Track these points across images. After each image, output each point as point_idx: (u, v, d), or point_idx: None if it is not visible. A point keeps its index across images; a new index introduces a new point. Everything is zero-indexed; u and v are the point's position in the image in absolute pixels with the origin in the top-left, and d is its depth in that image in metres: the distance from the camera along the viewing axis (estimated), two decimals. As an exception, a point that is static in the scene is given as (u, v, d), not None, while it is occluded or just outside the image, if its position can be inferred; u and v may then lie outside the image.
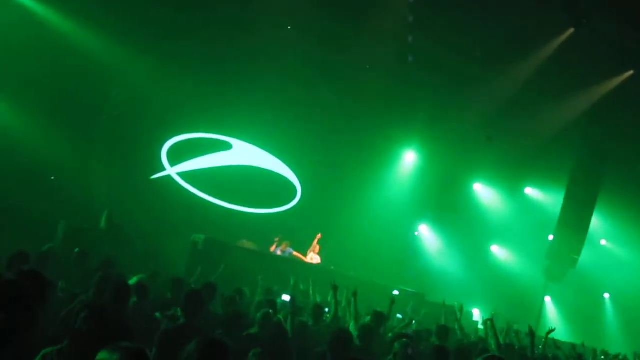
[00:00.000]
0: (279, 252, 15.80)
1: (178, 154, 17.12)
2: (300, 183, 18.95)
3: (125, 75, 15.10)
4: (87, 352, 3.03)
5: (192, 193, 17.15)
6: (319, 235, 16.33)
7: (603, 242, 21.12)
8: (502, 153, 18.45)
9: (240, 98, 16.44)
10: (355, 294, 7.95)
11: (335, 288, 8.12)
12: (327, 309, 8.60)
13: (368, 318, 8.10)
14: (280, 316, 6.92)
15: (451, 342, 7.90)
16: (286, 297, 8.54)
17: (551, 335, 9.40)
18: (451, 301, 12.95)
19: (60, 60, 13.71)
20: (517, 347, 8.78)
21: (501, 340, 8.83)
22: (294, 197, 18.81)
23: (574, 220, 17.48)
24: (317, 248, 16.18)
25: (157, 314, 6.37)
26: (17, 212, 11.60)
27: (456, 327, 9.63)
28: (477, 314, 17.40)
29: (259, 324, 6.36)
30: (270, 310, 6.67)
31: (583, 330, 17.94)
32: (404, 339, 6.27)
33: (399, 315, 10.85)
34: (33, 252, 7.53)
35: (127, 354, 2.57)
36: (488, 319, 8.99)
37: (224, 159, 17.81)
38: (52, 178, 14.16)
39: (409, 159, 20.33)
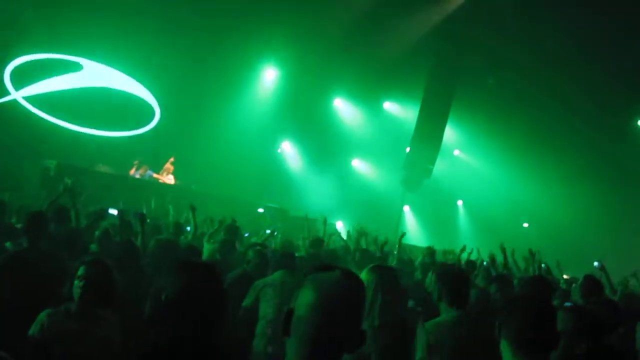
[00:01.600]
0: (137, 176, 15.43)
1: (23, 77, 15.96)
2: (159, 103, 18.31)
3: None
4: None
5: (40, 117, 16.12)
6: (171, 159, 16.06)
7: (456, 152, 22.23)
8: (360, 68, 18.66)
9: (89, 13, 15.42)
10: (193, 208, 8.01)
11: (193, 208, 8.10)
12: (188, 228, 8.55)
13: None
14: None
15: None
16: (113, 211, 8.35)
17: (409, 242, 9.87)
18: (315, 215, 13.30)
19: None
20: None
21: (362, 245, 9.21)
22: (152, 118, 18.19)
23: (429, 132, 18.17)
24: (171, 168, 15.95)
25: (7, 244, 6.04)
26: None
27: (324, 238, 9.87)
28: (340, 226, 17.94)
29: (98, 241, 6.28)
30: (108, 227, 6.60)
31: (440, 235, 18.99)
32: (258, 247, 6.45)
33: (267, 230, 10.98)
34: None
35: None
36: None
37: (75, 81, 16.80)
38: None
39: (269, 76, 20.12)
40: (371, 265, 4.28)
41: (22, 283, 4.47)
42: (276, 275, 5.64)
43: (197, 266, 2.62)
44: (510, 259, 8.29)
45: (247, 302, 5.49)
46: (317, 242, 8.57)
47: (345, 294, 1.73)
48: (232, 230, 7.88)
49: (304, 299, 1.73)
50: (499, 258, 8.14)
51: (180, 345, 2.37)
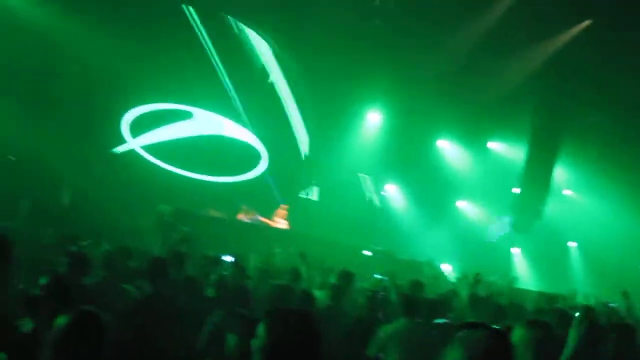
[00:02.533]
0: (246, 220, 15.79)
1: (138, 126, 16.86)
2: (266, 148, 18.80)
3: (78, 48, 14.75)
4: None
5: (155, 165, 16.92)
6: (282, 207, 16.32)
7: (567, 191, 21.42)
8: (463, 109, 18.50)
9: (201, 65, 16.21)
10: (302, 256, 8.10)
11: (303, 256, 8.24)
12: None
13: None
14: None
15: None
16: (227, 258, 8.54)
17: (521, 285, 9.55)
18: (421, 258, 13.14)
19: (8, 33, 13.34)
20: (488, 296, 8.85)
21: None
22: (258, 163, 18.67)
23: (538, 171, 17.69)
24: (284, 213, 16.18)
25: (127, 286, 6.33)
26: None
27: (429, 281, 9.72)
28: (447, 270, 17.61)
29: (215, 287, 6.42)
30: (225, 273, 6.72)
31: (551, 279, 18.28)
32: (369, 292, 6.38)
33: (377, 276, 10.92)
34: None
35: (79, 314, 2.54)
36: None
37: (186, 129, 17.57)
38: (11, 158, 13.87)
39: (373, 119, 20.30)
40: (526, 320, 4.08)
41: (144, 326, 4.66)
42: (398, 323, 5.51)
43: (289, 315, 2.64)
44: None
45: (371, 352, 5.40)
46: (417, 286, 8.36)
47: (494, 354, 1.70)
48: (345, 276, 7.84)
49: (454, 357, 1.71)
50: (620, 304, 7.71)
51: None
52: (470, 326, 1.78)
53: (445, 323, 5.79)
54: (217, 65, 17.30)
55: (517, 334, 3.67)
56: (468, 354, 1.69)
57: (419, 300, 5.90)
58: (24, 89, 13.87)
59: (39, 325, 3.27)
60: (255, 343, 2.50)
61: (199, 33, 16.89)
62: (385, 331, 5.42)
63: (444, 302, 7.27)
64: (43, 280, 3.46)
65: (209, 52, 17.07)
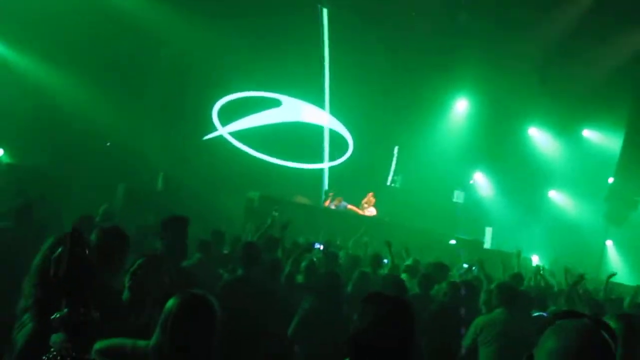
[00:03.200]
0: (332, 207, 15.86)
1: (228, 114, 17.24)
2: (352, 137, 18.86)
3: (174, 35, 15.18)
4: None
5: (244, 152, 17.27)
6: (370, 194, 16.29)
7: (665, 182, 20.47)
8: (556, 96, 17.97)
9: (289, 53, 16.37)
10: (389, 244, 8.06)
11: (389, 244, 8.23)
12: (385, 260, 8.64)
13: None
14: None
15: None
16: (319, 246, 8.61)
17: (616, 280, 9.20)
18: (509, 248, 12.86)
19: (106, 23, 13.86)
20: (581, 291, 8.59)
21: (564, 286, 8.76)
22: (346, 150, 18.75)
23: (635, 161, 16.95)
24: (372, 201, 16.14)
25: (220, 270, 6.51)
26: (75, 179, 11.83)
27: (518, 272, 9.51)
28: (536, 261, 17.19)
29: (304, 273, 6.48)
30: (315, 259, 6.79)
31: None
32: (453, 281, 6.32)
33: (464, 265, 10.81)
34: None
35: (191, 297, 2.62)
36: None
37: (274, 116, 17.84)
38: (107, 144, 14.43)
39: (461, 107, 20.01)
40: (620, 313, 3.93)
41: (238, 308, 4.78)
42: (496, 314, 5.43)
43: (386, 300, 2.65)
44: None
45: (467, 342, 5.37)
46: (517, 278, 8.22)
47: (595, 344, 1.64)
48: (439, 267, 7.80)
49: (548, 346, 1.67)
50: None
51: None
52: (567, 315, 1.73)
53: (543, 316, 5.68)
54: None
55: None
56: (563, 343, 1.64)
57: (518, 292, 5.79)
58: (122, 78, 14.36)
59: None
60: (352, 327, 2.54)
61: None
62: (482, 320, 5.36)
63: (540, 296, 7.10)
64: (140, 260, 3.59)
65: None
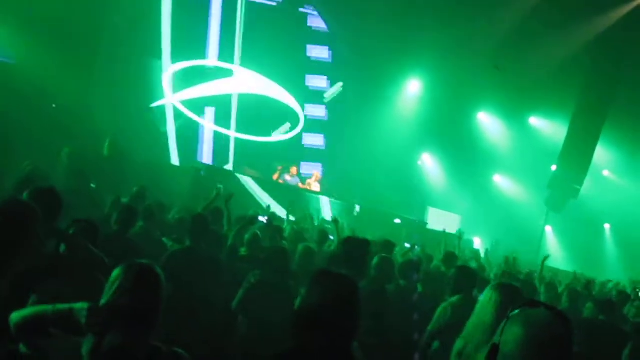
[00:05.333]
0: (288, 178, 15.86)
1: (179, 81, 16.95)
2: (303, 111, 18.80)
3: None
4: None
5: (192, 120, 17.02)
6: (317, 173, 16.32)
7: (605, 172, 21.09)
8: (507, 82, 18.20)
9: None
10: (336, 221, 8.10)
11: (336, 222, 8.24)
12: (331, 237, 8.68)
13: None
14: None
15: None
16: (262, 219, 8.58)
17: (551, 264, 9.46)
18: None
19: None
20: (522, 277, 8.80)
21: (502, 268, 8.98)
22: (297, 125, 18.68)
23: (578, 150, 17.40)
24: (318, 176, 16.21)
25: (164, 239, 6.44)
26: (19, 140, 11.46)
27: (457, 253, 9.69)
28: (477, 243, 17.56)
29: (247, 246, 6.46)
30: (259, 233, 6.75)
31: (583, 259, 18.15)
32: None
33: (406, 244, 10.95)
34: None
35: (137, 268, 2.58)
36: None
37: (226, 86, 17.61)
38: (53, 106, 14.03)
39: (413, 87, 20.12)
40: (495, 283, 4.05)
41: (185, 279, 4.75)
42: (456, 300, 5.30)
43: (335, 277, 2.65)
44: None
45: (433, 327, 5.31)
46: (451, 257, 8.33)
47: (556, 334, 1.70)
48: (386, 245, 7.84)
49: (512, 335, 1.71)
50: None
51: (313, 352, 2.46)
52: (530, 304, 1.78)
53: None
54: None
55: (486, 293, 3.66)
56: (530, 332, 1.68)
57: (474, 276, 5.71)
58: (72, 39, 13.93)
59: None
60: (298, 302, 2.54)
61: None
62: (448, 308, 5.25)
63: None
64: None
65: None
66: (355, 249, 5.36)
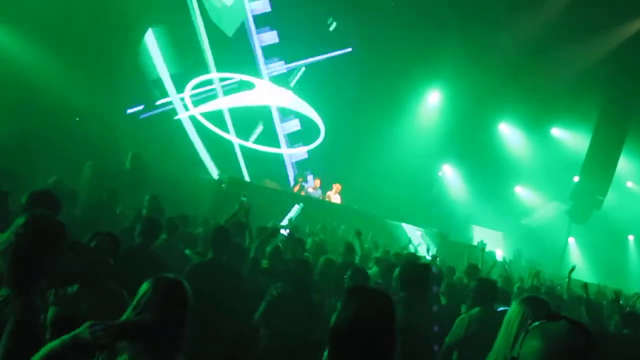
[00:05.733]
0: (310, 190, 15.86)
1: (201, 95, 17.07)
2: (324, 124, 18.81)
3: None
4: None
5: (215, 133, 17.11)
6: (337, 186, 16.31)
7: (629, 184, 20.90)
8: (528, 92, 18.15)
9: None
10: (358, 233, 8.10)
11: (359, 234, 8.29)
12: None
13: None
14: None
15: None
16: (284, 232, 8.59)
17: (574, 276, 9.32)
18: (474, 242, 13.01)
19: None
20: (542, 289, 8.72)
21: (528, 283, 8.90)
22: (317, 137, 18.70)
23: (601, 161, 17.27)
24: (339, 188, 16.19)
25: (187, 251, 6.47)
26: (43, 154, 11.57)
27: (479, 265, 9.63)
28: (499, 254, 17.43)
29: (269, 258, 6.47)
30: (280, 245, 6.76)
31: (606, 271, 17.93)
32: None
33: (427, 256, 10.91)
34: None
35: (168, 284, 2.63)
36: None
37: (247, 99, 17.69)
38: (77, 119, 14.16)
39: (433, 99, 20.10)
40: (524, 296, 4.01)
41: (207, 291, 4.75)
42: (475, 312, 5.26)
43: (369, 292, 2.63)
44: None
45: (450, 339, 5.27)
46: (473, 269, 8.30)
47: (575, 347, 1.68)
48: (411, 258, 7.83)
49: (531, 348, 1.70)
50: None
51: None
52: (550, 317, 1.77)
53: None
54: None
55: (512, 308, 3.63)
56: (550, 345, 1.67)
57: (495, 288, 5.66)
58: (94, 55, 14.09)
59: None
60: (335, 318, 2.52)
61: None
62: (465, 320, 5.21)
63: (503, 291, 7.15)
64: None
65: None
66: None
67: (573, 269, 9.49)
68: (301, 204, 13.53)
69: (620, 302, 7.48)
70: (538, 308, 3.58)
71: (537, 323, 1.77)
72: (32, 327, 2.58)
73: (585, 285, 7.37)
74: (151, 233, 5.62)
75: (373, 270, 7.21)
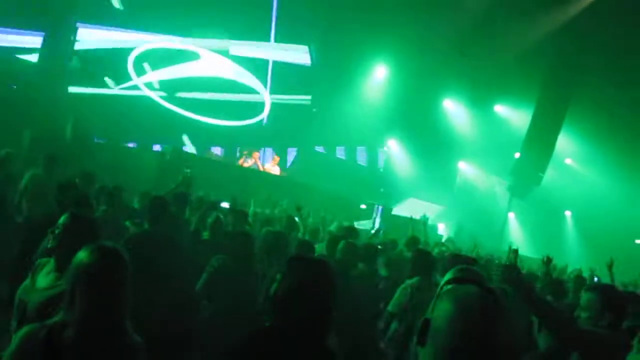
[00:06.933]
0: (250, 163, 15.82)
1: (144, 63, 16.69)
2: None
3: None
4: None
5: (157, 103, 16.79)
6: (275, 157, 16.28)
7: (568, 160, 21.45)
8: (473, 69, 18.33)
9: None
10: (298, 209, 8.16)
11: (299, 209, 8.35)
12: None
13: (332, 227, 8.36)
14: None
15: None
16: (225, 204, 8.56)
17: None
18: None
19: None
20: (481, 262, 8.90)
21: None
22: (262, 110, 18.54)
23: (541, 138, 17.63)
24: (277, 159, 16.19)
25: (127, 222, 6.37)
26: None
27: (422, 239, 9.77)
28: (441, 228, 17.74)
29: (210, 229, 6.44)
30: (221, 216, 6.73)
31: (544, 245, 18.41)
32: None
33: (371, 230, 11.02)
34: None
35: (104, 251, 2.57)
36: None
37: (192, 69, 17.39)
38: (13, 86, 13.71)
39: (380, 73, 20.12)
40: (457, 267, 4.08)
41: (144, 261, 4.68)
42: (415, 282, 5.43)
43: (311, 262, 2.67)
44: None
45: (393, 308, 5.38)
46: (413, 241, 8.41)
47: (484, 309, 1.70)
48: (350, 230, 7.88)
49: (442, 311, 1.72)
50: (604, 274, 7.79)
51: (285, 337, 2.45)
52: (459, 280, 1.80)
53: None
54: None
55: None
56: (460, 308, 1.69)
57: (432, 259, 5.81)
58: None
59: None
60: (275, 288, 2.52)
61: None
62: (408, 289, 5.33)
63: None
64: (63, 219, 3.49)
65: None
66: (423, 258, 5.63)
67: (516, 250, 9.69)
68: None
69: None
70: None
71: (449, 287, 1.80)
72: None
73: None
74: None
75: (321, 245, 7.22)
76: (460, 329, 1.67)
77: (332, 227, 8.89)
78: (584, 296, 3.71)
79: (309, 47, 18.42)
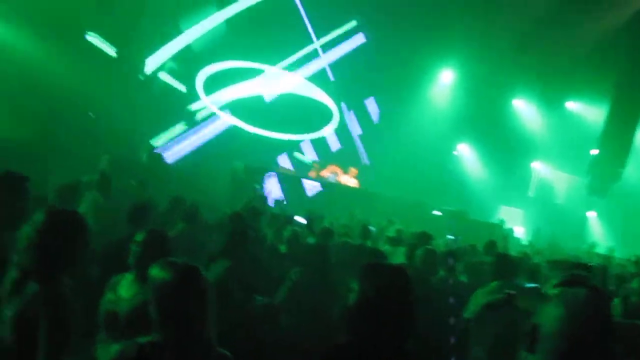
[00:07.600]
0: (327, 174, 15.86)
1: (212, 84, 17.04)
2: (337, 107, 18.75)
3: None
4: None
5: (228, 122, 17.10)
6: (353, 170, 16.25)
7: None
8: (541, 66, 17.91)
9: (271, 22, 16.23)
10: (352, 215, 8.14)
11: (352, 215, 8.38)
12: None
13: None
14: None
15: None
16: (300, 219, 8.57)
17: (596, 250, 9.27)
18: (493, 219, 12.95)
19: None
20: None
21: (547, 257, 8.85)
22: (330, 121, 18.62)
23: (619, 132, 16.98)
24: (355, 172, 16.15)
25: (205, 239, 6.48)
26: (59, 152, 11.57)
27: (500, 243, 9.59)
28: (519, 232, 17.34)
29: (288, 243, 6.45)
30: (298, 229, 6.76)
31: (630, 245, 17.74)
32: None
33: (449, 236, 10.86)
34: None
35: (180, 269, 2.55)
36: None
37: (258, 86, 17.63)
38: (90, 114, 14.18)
39: (446, 78, 19.93)
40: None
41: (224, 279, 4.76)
42: (493, 287, 5.24)
43: (387, 268, 2.63)
44: None
45: (468, 313, 5.29)
46: (491, 246, 8.26)
47: (594, 311, 1.65)
48: (422, 237, 7.79)
49: (552, 314, 1.67)
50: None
51: (364, 347, 2.41)
52: (568, 283, 1.74)
53: (536, 287, 5.60)
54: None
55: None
56: (569, 311, 1.64)
57: (514, 263, 5.65)
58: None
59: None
60: (352, 297, 2.50)
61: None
62: (482, 294, 5.21)
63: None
64: (140, 237, 3.59)
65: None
66: (505, 262, 5.49)
67: (593, 245, 9.37)
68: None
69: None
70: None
71: (557, 290, 1.75)
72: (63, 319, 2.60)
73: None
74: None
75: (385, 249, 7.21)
76: (570, 331, 1.63)
77: (390, 232, 8.80)
78: None
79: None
